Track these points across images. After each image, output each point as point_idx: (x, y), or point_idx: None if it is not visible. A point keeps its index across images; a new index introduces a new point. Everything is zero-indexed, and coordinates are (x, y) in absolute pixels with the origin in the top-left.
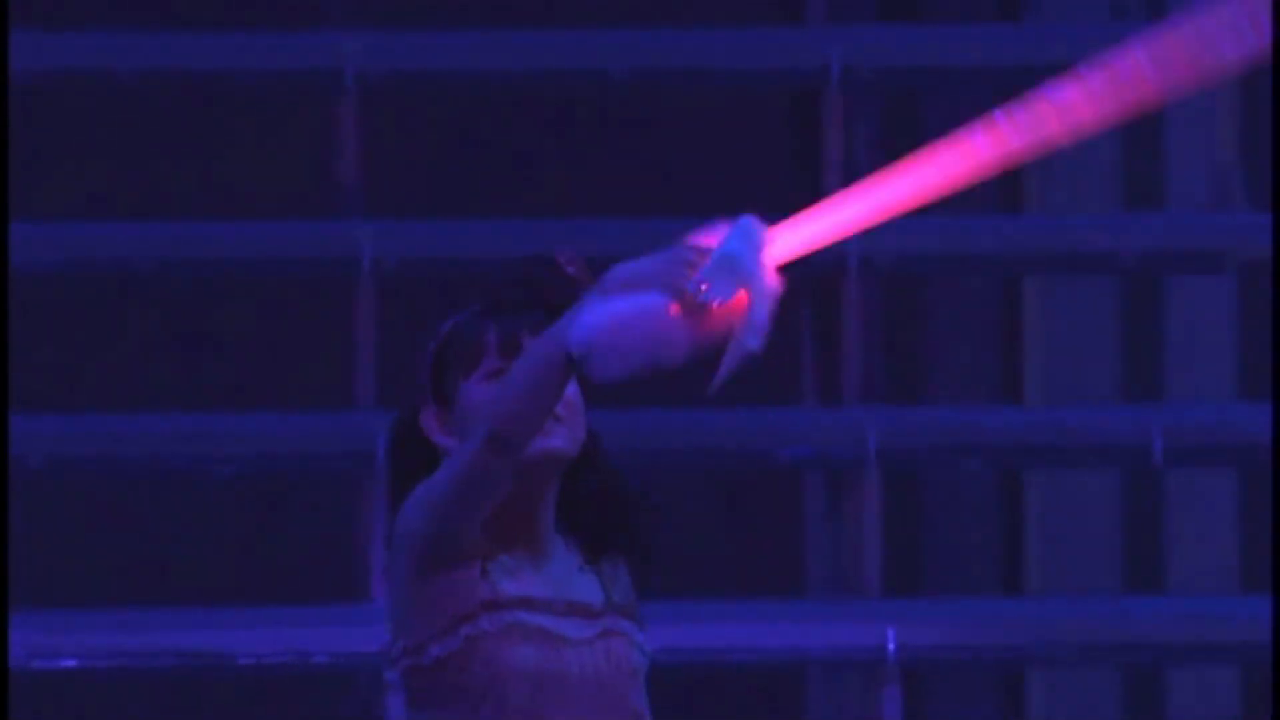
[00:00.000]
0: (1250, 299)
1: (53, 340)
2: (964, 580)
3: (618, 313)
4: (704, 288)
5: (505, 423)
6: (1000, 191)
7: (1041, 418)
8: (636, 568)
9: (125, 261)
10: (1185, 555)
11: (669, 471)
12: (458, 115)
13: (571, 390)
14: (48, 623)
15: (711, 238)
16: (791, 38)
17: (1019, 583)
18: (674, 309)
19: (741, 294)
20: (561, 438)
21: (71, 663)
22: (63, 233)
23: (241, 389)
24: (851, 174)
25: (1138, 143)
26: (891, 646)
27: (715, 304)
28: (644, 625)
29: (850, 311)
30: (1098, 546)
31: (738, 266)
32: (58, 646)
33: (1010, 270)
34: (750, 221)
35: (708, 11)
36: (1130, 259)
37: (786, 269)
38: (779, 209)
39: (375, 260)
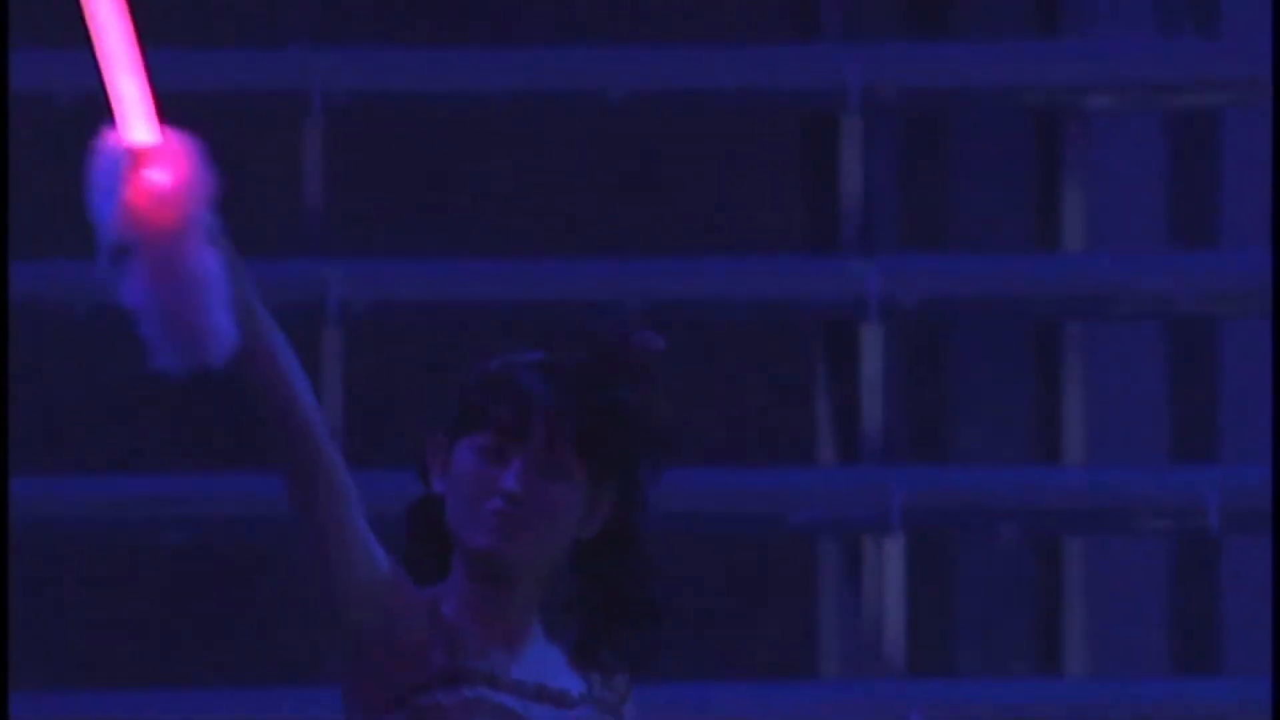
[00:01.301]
0: None
1: None
2: (997, 659)
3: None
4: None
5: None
6: (1037, 227)
7: (1082, 478)
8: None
9: (54, 302)
10: (1243, 632)
11: (668, 537)
12: (437, 142)
13: (542, 488)
14: None
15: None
16: (806, 55)
17: (1058, 662)
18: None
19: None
20: (492, 535)
21: None
22: None
23: (193, 446)
24: (872, 204)
25: (1188, 176)
26: None
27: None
28: None
29: (870, 359)
30: (1145, 622)
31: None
32: None
33: (1048, 313)
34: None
35: (713, 27)
36: (1180, 301)
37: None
38: (792, 242)
39: (342, 303)
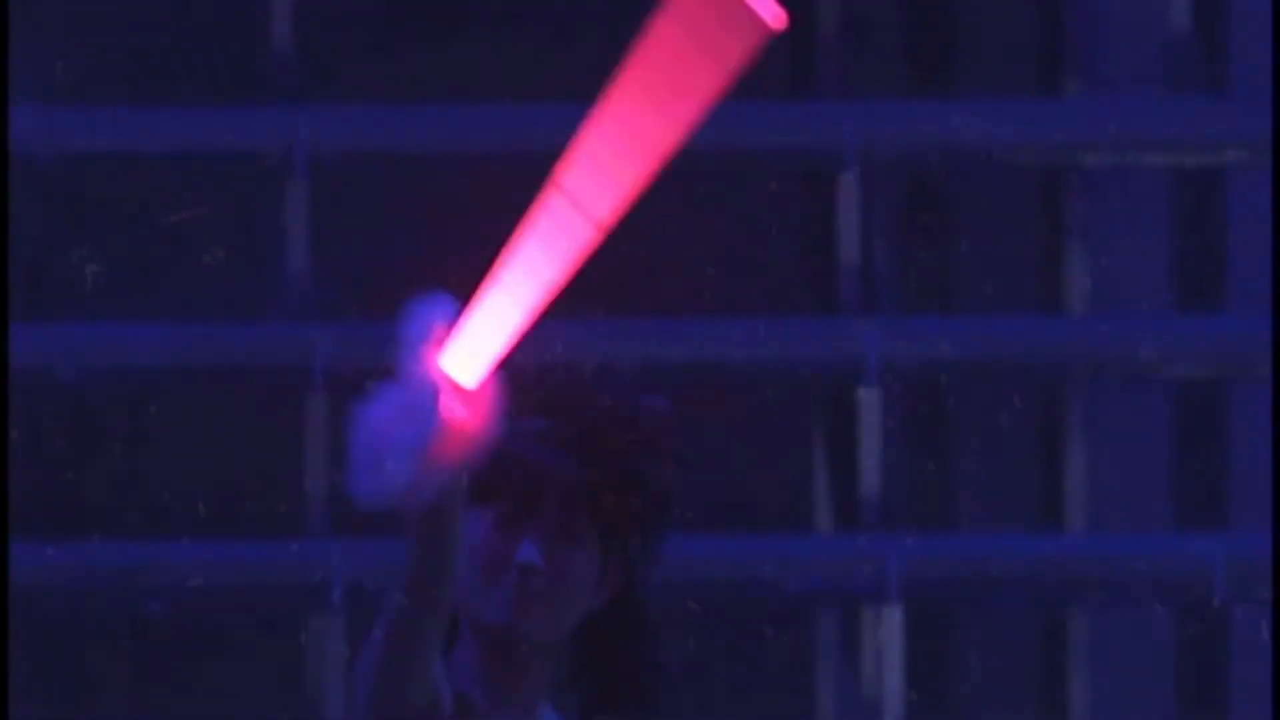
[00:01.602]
0: None
1: None
2: None
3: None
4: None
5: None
6: (1039, 287)
7: (1086, 547)
8: None
9: (33, 366)
10: (1251, 706)
11: (659, 607)
12: (424, 201)
13: (558, 560)
14: None
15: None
16: (803, 112)
17: None
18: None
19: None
20: (510, 609)
21: None
22: None
23: (174, 512)
24: (871, 264)
25: (1193, 237)
26: None
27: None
28: None
29: (868, 423)
30: (1151, 695)
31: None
32: None
33: (1050, 377)
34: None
35: None
36: (1184, 366)
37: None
38: (790, 303)
39: (328, 369)
